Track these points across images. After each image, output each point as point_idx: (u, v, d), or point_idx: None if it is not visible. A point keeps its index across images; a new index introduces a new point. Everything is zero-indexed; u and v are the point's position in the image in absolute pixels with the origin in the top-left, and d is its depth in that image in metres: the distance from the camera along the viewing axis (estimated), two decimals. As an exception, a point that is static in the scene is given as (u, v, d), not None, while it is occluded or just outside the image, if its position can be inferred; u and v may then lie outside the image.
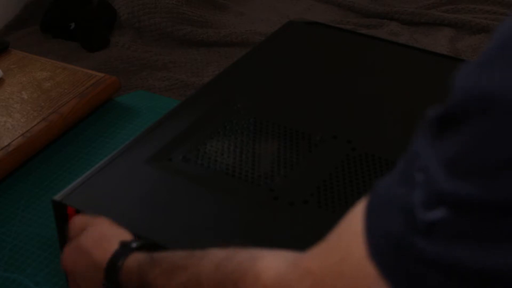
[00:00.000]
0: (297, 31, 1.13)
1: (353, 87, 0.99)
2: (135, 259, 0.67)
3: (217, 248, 0.61)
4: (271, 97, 0.97)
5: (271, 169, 0.83)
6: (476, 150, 0.40)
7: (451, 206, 0.40)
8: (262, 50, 1.10)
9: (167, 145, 0.87)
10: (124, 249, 0.69)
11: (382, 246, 0.43)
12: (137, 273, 0.66)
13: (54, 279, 1.00)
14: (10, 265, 1.02)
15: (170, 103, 1.38)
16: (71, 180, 0.83)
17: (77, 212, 0.78)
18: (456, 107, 0.42)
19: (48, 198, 0.81)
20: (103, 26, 1.77)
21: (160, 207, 0.78)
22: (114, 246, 0.69)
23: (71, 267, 0.74)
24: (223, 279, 0.57)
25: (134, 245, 0.69)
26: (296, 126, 0.90)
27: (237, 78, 1.01)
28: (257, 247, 0.69)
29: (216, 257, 0.59)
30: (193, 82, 1.57)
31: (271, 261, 0.54)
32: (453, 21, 1.82)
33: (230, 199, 0.79)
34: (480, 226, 0.39)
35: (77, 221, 0.76)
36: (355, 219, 0.46)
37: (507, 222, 0.38)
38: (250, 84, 1.00)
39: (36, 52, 1.57)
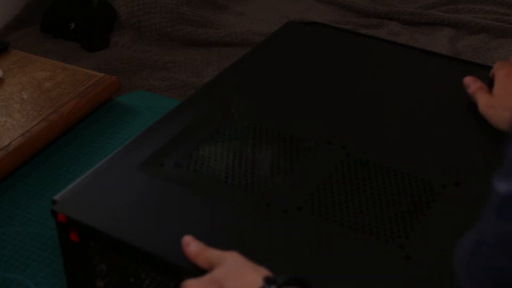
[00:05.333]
0: (297, 31, 1.13)
1: (352, 88, 0.99)
2: None
3: None
4: (268, 100, 0.97)
5: (264, 175, 0.83)
6: None
7: None
8: (262, 50, 1.10)
9: (159, 151, 0.86)
10: (270, 284, 0.63)
11: None
12: None
13: (54, 279, 1.00)
14: (10, 265, 1.02)
15: (170, 103, 1.38)
16: (71, 180, 0.83)
17: (68, 220, 0.78)
18: None
19: (48, 198, 0.81)
20: (103, 26, 1.77)
21: (152, 214, 0.78)
22: (252, 279, 0.65)
23: None
24: None
25: (280, 280, 0.64)
26: (291, 131, 0.89)
27: (236, 80, 1.01)
28: (250, 254, 0.68)
29: None
30: (193, 82, 1.57)
31: None
32: (453, 21, 1.82)
33: (222, 206, 0.78)
34: None
35: (206, 255, 0.70)
36: None
37: None
38: (249, 86, 1.00)
39: (36, 52, 1.57)
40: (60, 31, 1.77)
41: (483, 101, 0.89)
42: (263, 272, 0.66)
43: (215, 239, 0.71)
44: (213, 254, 0.69)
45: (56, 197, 0.80)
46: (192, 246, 0.71)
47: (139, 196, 0.81)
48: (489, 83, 0.92)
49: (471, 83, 0.92)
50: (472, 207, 0.76)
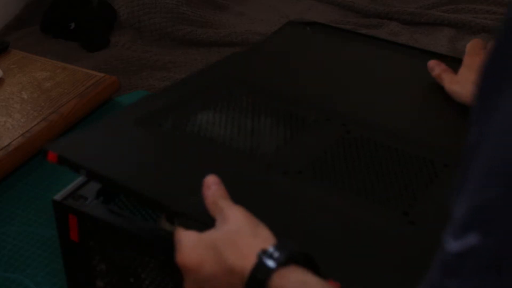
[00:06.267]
0: (297, 31, 1.13)
1: (352, 85, 0.99)
2: (284, 280, 0.58)
3: None
4: (267, 87, 0.96)
5: (264, 142, 0.81)
6: None
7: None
8: (261, 49, 1.10)
9: (157, 112, 0.85)
10: (267, 264, 0.58)
11: None
12: None
13: (54, 279, 1.00)
14: (10, 265, 1.02)
15: (170, 103, 1.38)
16: (71, 180, 0.83)
17: (59, 159, 0.76)
18: None
19: (48, 198, 0.81)
20: (103, 26, 1.77)
21: (147, 160, 0.77)
22: (251, 251, 0.60)
23: (195, 265, 0.63)
24: None
25: (276, 257, 0.59)
26: (290, 109, 0.88)
27: (234, 72, 1.00)
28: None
29: None
30: (193, 82, 1.57)
31: None
32: (453, 21, 1.82)
33: (220, 163, 0.77)
34: None
35: (217, 205, 0.65)
36: None
37: None
38: (247, 77, 0.98)
39: (36, 52, 1.57)
40: (60, 31, 1.77)
41: (448, 79, 0.92)
42: (263, 236, 0.61)
43: None
44: (221, 206, 0.65)
45: (56, 197, 0.80)
46: (211, 190, 0.67)
47: (135, 145, 0.80)
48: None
49: (435, 66, 0.95)
50: None
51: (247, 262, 0.59)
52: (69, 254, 0.82)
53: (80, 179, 0.83)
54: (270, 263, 0.58)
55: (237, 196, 0.69)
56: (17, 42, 1.70)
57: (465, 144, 0.43)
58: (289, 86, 0.97)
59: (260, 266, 0.59)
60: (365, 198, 0.74)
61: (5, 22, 1.81)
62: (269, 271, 0.58)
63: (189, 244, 0.63)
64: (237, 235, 0.62)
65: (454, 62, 1.00)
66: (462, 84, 0.90)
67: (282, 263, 0.58)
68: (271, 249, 0.59)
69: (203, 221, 0.65)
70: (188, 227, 0.65)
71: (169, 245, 0.73)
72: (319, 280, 0.58)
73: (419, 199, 0.74)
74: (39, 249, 1.05)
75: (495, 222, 0.39)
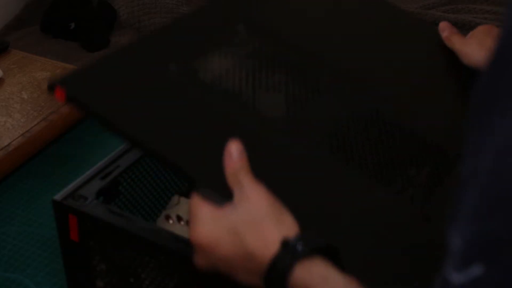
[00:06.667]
0: None
1: (365, 45, 0.92)
2: (305, 273, 0.56)
3: None
4: (274, 32, 0.87)
5: (279, 103, 0.76)
6: None
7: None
8: None
9: (163, 55, 0.78)
10: (288, 254, 0.56)
11: None
12: None
13: (54, 279, 1.00)
14: (10, 265, 1.02)
15: (170, 103, 1.38)
16: (71, 180, 0.83)
17: (68, 98, 0.69)
18: None
19: (48, 198, 0.81)
20: (103, 26, 1.77)
21: (161, 113, 0.70)
22: (275, 238, 0.57)
23: (210, 244, 0.60)
24: None
25: (299, 248, 0.56)
26: (302, 62, 0.82)
27: (237, 12, 0.89)
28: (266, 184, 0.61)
29: None
30: (193, 82, 1.57)
31: None
32: (453, 21, 1.82)
33: (235, 124, 0.71)
34: None
35: (238, 179, 0.61)
36: None
37: None
38: (254, 20, 0.88)
39: (36, 52, 1.56)
40: (60, 31, 1.77)
41: (460, 41, 0.91)
42: (288, 223, 0.58)
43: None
44: (242, 180, 0.61)
45: (56, 197, 0.80)
46: (233, 159, 0.62)
47: (147, 91, 0.72)
48: None
49: (447, 28, 0.94)
50: None
51: (269, 250, 0.57)
52: (69, 254, 0.82)
53: (80, 179, 0.83)
54: (293, 253, 0.56)
55: (257, 164, 0.64)
56: (17, 42, 1.70)
57: (460, 171, 0.41)
58: (299, 34, 0.88)
59: (282, 255, 0.56)
60: (384, 185, 0.71)
61: (5, 22, 1.81)
62: (291, 262, 0.56)
63: (206, 221, 0.60)
64: (260, 219, 0.58)
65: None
66: (474, 46, 0.89)
67: (305, 254, 0.56)
68: (295, 238, 0.57)
69: (221, 192, 0.61)
70: (205, 196, 0.61)
71: (169, 245, 0.73)
72: (341, 276, 0.56)
73: (435, 193, 0.73)
74: (39, 249, 1.05)
75: (498, 252, 0.38)
